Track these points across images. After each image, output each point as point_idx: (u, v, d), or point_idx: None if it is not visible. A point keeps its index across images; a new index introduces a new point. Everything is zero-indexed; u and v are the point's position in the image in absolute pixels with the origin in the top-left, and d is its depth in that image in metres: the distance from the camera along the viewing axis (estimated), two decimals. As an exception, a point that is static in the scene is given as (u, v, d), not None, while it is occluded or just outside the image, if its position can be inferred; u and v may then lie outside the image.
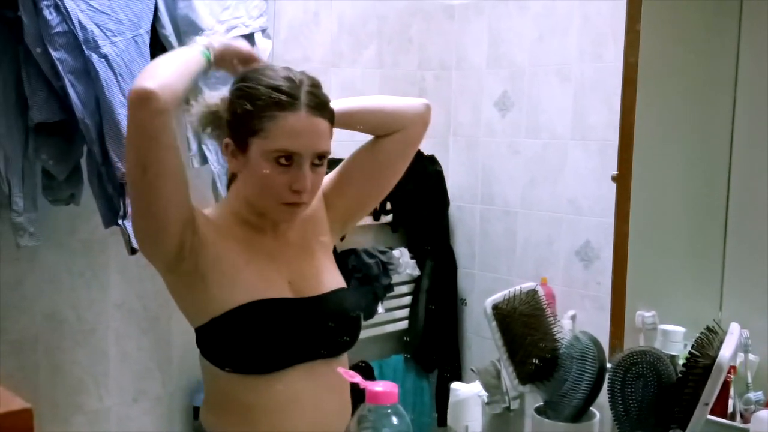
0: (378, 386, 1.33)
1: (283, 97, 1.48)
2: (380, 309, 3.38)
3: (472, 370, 3.06)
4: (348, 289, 1.72)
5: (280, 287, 1.59)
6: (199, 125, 1.60)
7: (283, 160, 1.49)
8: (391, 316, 3.55)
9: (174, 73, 1.43)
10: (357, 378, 1.41)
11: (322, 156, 1.52)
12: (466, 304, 3.72)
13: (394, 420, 1.30)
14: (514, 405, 2.88)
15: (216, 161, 2.67)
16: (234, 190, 1.61)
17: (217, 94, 1.60)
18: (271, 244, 1.62)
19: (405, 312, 3.62)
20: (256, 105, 1.49)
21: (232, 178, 1.64)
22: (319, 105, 1.51)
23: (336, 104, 1.58)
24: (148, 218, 1.48)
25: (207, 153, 2.65)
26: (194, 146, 2.56)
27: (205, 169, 2.64)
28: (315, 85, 1.54)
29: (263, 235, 1.62)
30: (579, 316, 3.21)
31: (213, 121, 1.59)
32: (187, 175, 1.50)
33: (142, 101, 1.37)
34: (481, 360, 3.32)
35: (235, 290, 1.52)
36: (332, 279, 1.66)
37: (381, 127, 1.73)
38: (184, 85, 1.44)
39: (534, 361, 2.32)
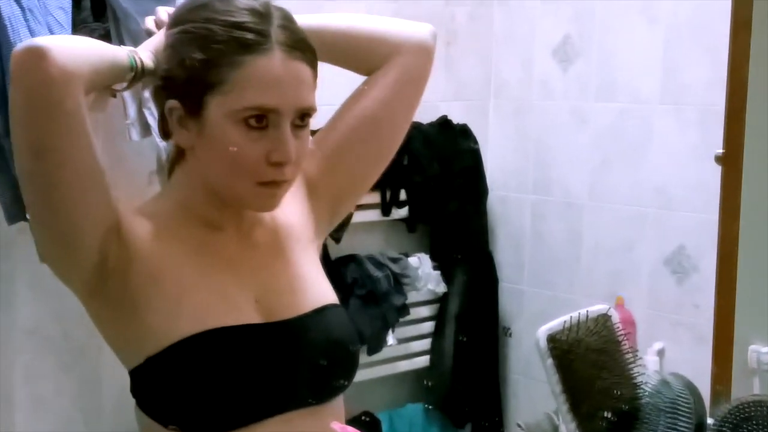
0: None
1: (249, 36, 1.48)
2: (391, 339, 3.38)
3: (519, 426, 3.06)
4: (342, 306, 1.71)
5: (244, 309, 1.56)
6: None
7: (254, 122, 1.47)
8: (406, 349, 3.54)
9: (82, 44, 1.47)
10: None
11: (305, 114, 1.51)
12: (510, 334, 3.72)
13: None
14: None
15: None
16: (181, 175, 1.60)
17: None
18: (232, 249, 1.60)
19: (426, 344, 3.61)
20: (213, 50, 1.48)
21: (177, 158, 1.63)
22: (298, 44, 1.50)
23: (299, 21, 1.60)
24: (49, 225, 1.47)
25: (150, 120, 2.65)
26: (132, 111, 2.57)
27: (148, 142, 2.64)
28: (288, 19, 1.53)
29: (222, 236, 1.60)
30: (669, 352, 3.20)
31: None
32: (106, 163, 1.49)
33: (33, 59, 1.38)
34: (532, 411, 3.32)
35: (180, 317, 1.50)
36: (318, 292, 1.65)
37: (362, 54, 1.74)
38: (92, 64, 1.45)
39: (606, 414, 2.33)
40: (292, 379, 1.56)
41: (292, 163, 1.51)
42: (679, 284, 3.24)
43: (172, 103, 1.53)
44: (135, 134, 2.58)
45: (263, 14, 1.51)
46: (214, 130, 1.50)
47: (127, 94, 2.48)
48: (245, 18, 1.50)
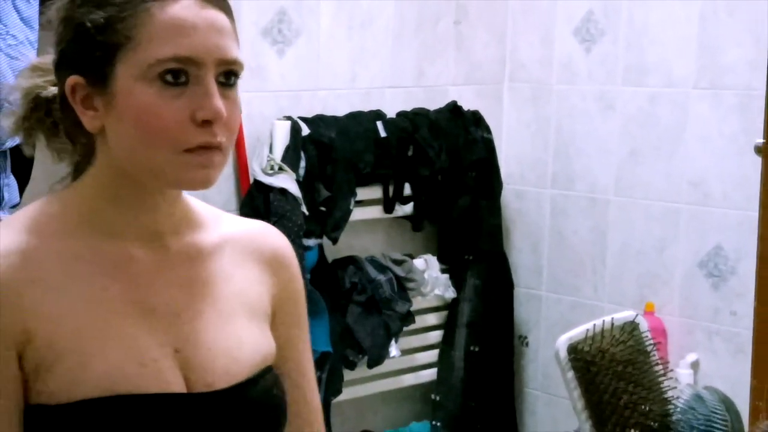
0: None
1: None
2: (394, 351, 3.39)
3: (537, 447, 3.08)
4: (271, 369, 1.58)
5: (161, 365, 1.45)
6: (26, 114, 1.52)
7: (170, 77, 1.41)
8: (411, 361, 3.56)
9: None
10: None
11: (230, 72, 1.46)
12: (527, 344, 3.74)
13: None
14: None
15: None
16: (88, 179, 1.51)
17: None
18: (145, 265, 1.51)
19: (433, 356, 3.63)
20: (111, 4, 1.43)
21: (82, 161, 1.52)
22: None
23: None
24: None
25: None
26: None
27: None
28: None
29: (133, 248, 1.51)
30: (704, 364, 3.21)
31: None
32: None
33: None
34: (552, 430, 3.33)
35: (85, 381, 1.41)
36: (255, 351, 1.56)
37: None
38: None
39: (633, 432, 2.34)
40: None
41: (221, 121, 1.44)
42: (716, 289, 3.25)
43: (72, 79, 1.46)
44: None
45: None
46: (125, 96, 1.44)
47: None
48: None
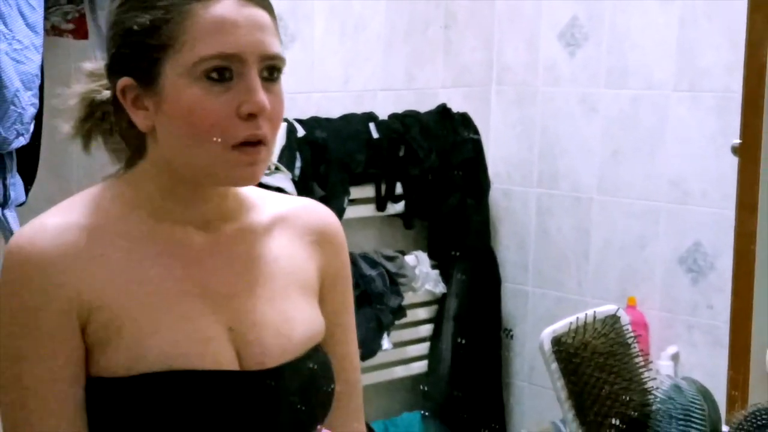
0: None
1: None
2: (386, 344, 3.40)
3: (524, 436, 3.08)
4: (320, 346, 1.59)
5: (216, 342, 1.48)
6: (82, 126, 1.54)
7: (216, 75, 1.42)
8: (402, 354, 3.57)
9: None
10: None
11: (273, 67, 1.46)
12: (511, 336, 3.76)
13: None
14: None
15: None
16: (141, 173, 1.52)
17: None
18: (200, 247, 1.53)
19: (424, 348, 3.65)
20: (156, 8, 1.45)
21: (134, 156, 1.54)
22: None
23: None
24: None
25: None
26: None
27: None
28: None
29: (191, 235, 1.52)
30: (684, 356, 3.23)
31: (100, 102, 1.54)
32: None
33: None
34: (537, 420, 3.34)
35: (145, 356, 1.45)
36: (305, 331, 1.57)
37: None
38: None
39: (614, 422, 2.34)
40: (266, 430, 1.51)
41: (266, 117, 1.44)
42: (695, 284, 3.27)
43: (123, 81, 1.48)
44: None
45: None
46: (173, 95, 1.45)
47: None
48: None
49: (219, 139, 1.43)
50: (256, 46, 1.44)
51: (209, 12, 1.43)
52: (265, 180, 3.15)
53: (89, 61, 1.59)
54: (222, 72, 1.43)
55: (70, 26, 2.79)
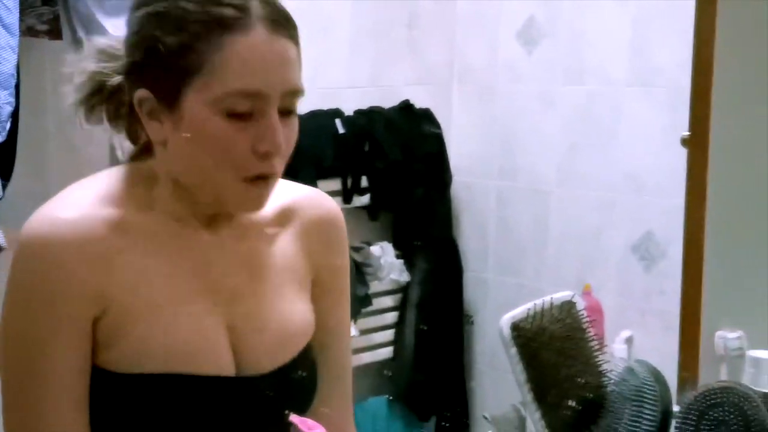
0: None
1: (228, 11, 1.38)
2: (353, 331, 3.40)
3: (485, 418, 3.08)
4: (309, 346, 1.56)
5: (215, 345, 1.47)
6: (86, 101, 1.52)
7: (238, 109, 1.38)
8: (368, 341, 3.58)
9: None
10: (319, 430, 1.41)
11: (292, 100, 1.42)
12: (472, 322, 3.77)
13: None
14: (545, 467, 2.91)
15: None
16: (149, 168, 1.48)
17: (109, 42, 1.54)
18: (209, 243, 1.50)
19: (389, 335, 3.66)
20: (186, 31, 1.38)
21: (140, 153, 1.51)
22: (281, 18, 1.42)
23: None
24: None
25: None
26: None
27: (100, 129, 2.66)
28: None
29: (193, 233, 1.49)
30: (638, 340, 3.24)
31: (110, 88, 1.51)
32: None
33: None
34: (498, 403, 3.34)
35: (147, 356, 1.42)
36: (297, 333, 1.55)
37: None
38: None
39: (571, 403, 2.35)
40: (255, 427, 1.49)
41: (280, 153, 1.40)
42: (647, 271, 3.29)
43: (141, 93, 1.42)
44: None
45: None
46: (194, 121, 1.39)
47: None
48: None
49: (231, 172, 1.40)
50: (282, 84, 1.40)
51: (240, 45, 1.38)
52: (236, 174, 3.15)
53: (102, 37, 1.54)
54: (245, 106, 1.39)
55: (45, 27, 2.77)
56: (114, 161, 2.63)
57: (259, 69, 1.38)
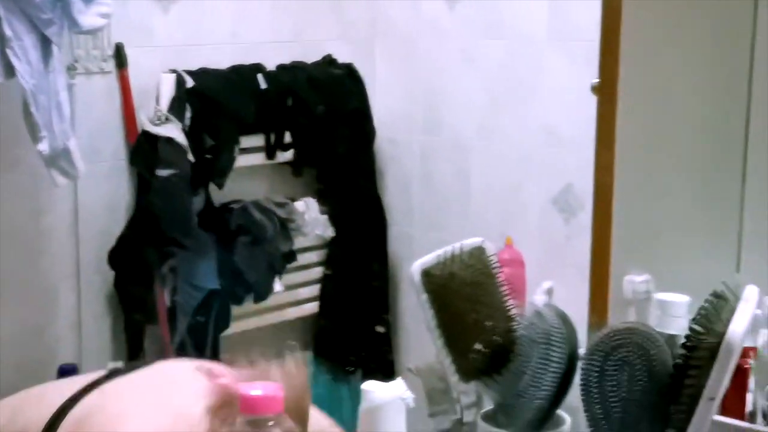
0: (256, 389, 1.23)
1: None
2: (278, 286, 3.40)
3: (410, 370, 3.09)
4: None
5: None
6: None
7: None
8: (293, 296, 3.58)
9: None
10: (224, 378, 1.38)
11: None
12: (399, 277, 3.76)
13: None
14: (468, 416, 2.91)
15: (28, 73, 2.66)
16: None
17: None
18: None
19: (314, 290, 3.65)
20: None
21: None
22: None
23: None
24: None
25: (14, 60, 2.64)
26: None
27: (14, 84, 2.63)
28: None
29: None
30: (558, 289, 3.24)
31: None
32: None
33: None
34: (423, 356, 3.35)
35: None
36: None
37: None
38: None
39: (480, 347, 2.35)
40: None
41: None
42: (567, 223, 3.31)
43: None
44: (-1, 75, 2.57)
45: None
46: None
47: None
48: None
49: None
50: None
51: None
52: (156, 130, 3.12)
53: None
54: None
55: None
56: (28, 120, 2.58)
57: None
